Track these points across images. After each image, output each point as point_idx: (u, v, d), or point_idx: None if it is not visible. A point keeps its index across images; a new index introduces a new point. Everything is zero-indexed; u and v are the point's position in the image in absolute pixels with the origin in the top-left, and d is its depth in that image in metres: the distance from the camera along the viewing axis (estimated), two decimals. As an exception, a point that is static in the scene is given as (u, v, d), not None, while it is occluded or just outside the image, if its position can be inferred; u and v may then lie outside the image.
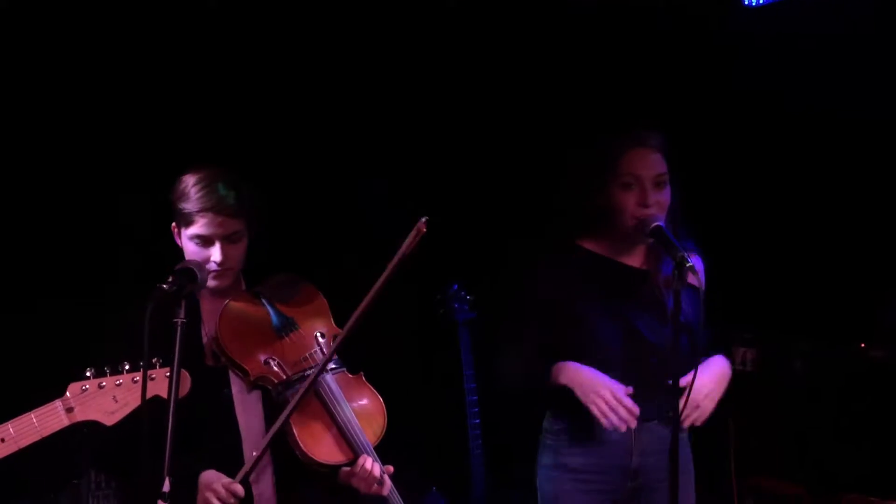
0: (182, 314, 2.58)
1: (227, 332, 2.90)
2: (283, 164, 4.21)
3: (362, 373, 3.03)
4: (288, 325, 2.99)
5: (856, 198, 4.46)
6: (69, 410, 2.51)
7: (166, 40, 4.09)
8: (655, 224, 3.09)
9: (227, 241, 2.90)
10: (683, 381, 3.01)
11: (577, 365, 3.12)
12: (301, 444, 2.83)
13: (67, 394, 2.52)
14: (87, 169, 4.04)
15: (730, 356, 3.35)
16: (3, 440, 2.48)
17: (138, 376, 2.54)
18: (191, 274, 2.67)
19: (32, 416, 2.50)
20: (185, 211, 2.90)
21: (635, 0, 4.53)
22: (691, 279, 3.05)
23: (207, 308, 2.98)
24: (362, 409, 2.96)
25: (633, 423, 3.06)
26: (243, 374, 2.90)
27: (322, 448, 2.86)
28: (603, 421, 3.03)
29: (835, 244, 4.47)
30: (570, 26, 4.57)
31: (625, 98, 4.50)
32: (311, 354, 2.95)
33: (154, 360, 2.58)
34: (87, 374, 2.53)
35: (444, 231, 4.37)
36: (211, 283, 2.91)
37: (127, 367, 2.56)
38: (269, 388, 2.90)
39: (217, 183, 2.90)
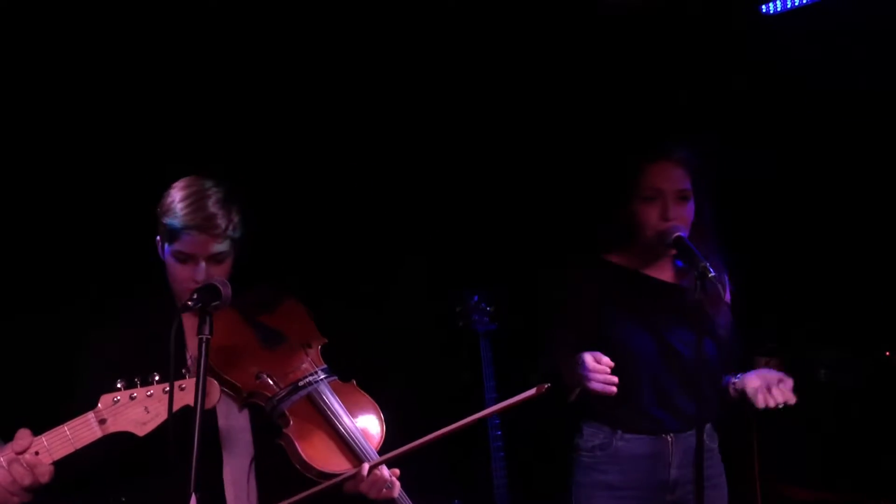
0: (207, 331, 2.57)
1: (216, 351, 2.82)
2: (263, 167, 4.14)
3: (354, 380, 3.00)
4: (275, 338, 2.96)
5: (881, 204, 4.43)
6: (102, 422, 2.52)
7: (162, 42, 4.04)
8: (676, 234, 3.09)
9: (211, 260, 2.85)
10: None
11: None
12: (304, 456, 2.82)
13: (100, 405, 2.54)
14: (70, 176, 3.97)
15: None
16: (37, 453, 2.50)
17: (168, 387, 2.55)
18: (214, 291, 2.63)
19: (66, 429, 2.53)
20: (170, 226, 2.84)
21: (655, 11, 4.53)
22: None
23: (190, 326, 2.91)
24: (360, 416, 2.94)
25: (613, 389, 3.02)
26: (234, 391, 2.87)
27: (325, 457, 2.84)
28: (594, 385, 2.99)
29: (859, 251, 4.44)
30: (595, 37, 4.56)
31: (650, 110, 4.49)
32: (299, 366, 2.93)
33: (183, 371, 2.59)
34: (119, 385, 2.55)
35: (465, 242, 4.48)
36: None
37: (157, 378, 2.57)
38: (262, 403, 2.88)
39: (205, 199, 2.84)
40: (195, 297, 2.60)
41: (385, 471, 2.85)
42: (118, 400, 2.53)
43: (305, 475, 2.83)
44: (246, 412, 2.92)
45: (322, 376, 2.94)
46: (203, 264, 2.83)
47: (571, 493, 3.33)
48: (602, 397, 3.01)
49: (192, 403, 2.52)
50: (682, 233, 3.11)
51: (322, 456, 2.84)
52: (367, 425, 2.93)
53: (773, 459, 4.28)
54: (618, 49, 4.54)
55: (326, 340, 3.03)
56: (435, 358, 4.44)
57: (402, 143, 4.44)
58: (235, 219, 2.86)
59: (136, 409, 2.55)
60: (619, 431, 3.23)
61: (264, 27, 4.16)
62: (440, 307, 4.29)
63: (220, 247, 2.84)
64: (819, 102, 4.40)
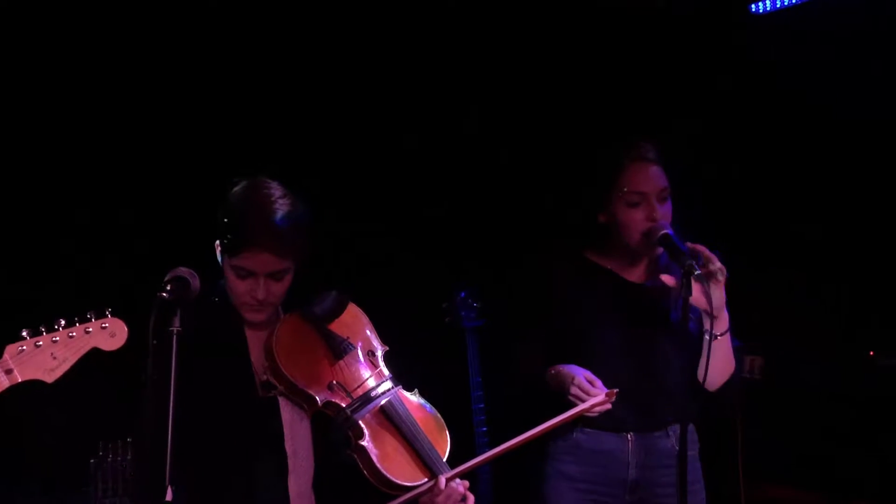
0: (177, 323, 2.49)
1: (287, 361, 2.76)
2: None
3: (417, 388, 2.94)
4: (344, 347, 2.85)
5: (865, 202, 4.45)
6: (8, 372, 2.46)
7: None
8: (663, 232, 3.09)
9: (271, 277, 2.72)
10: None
11: (562, 367, 3.12)
12: (380, 467, 2.72)
13: (5, 355, 2.47)
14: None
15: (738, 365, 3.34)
16: None
17: (74, 331, 2.48)
18: (183, 282, 2.52)
19: None
20: (233, 238, 2.68)
21: (641, 8, 4.53)
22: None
23: (252, 336, 2.83)
24: (429, 426, 2.87)
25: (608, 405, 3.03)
26: (308, 402, 2.77)
27: (401, 469, 2.76)
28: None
29: (843, 250, 4.45)
30: (580, 33, 4.56)
31: (632, 107, 4.49)
32: (370, 375, 2.85)
33: (89, 315, 2.50)
34: (24, 334, 2.48)
35: (452, 237, 4.47)
36: (248, 315, 2.78)
37: (63, 323, 2.49)
38: (333, 414, 2.77)
39: (272, 216, 2.67)
40: (169, 288, 2.50)
41: (459, 483, 2.79)
42: (23, 349, 2.46)
43: (378, 488, 2.74)
44: (309, 428, 2.82)
45: (391, 386, 2.86)
46: (262, 281, 2.71)
47: (534, 482, 3.33)
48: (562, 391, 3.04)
49: (99, 346, 2.45)
50: (668, 230, 3.11)
51: (397, 467, 2.76)
52: (435, 435, 2.86)
53: (756, 458, 4.29)
54: (603, 42, 4.56)
55: (388, 348, 2.95)
56: (421, 354, 4.41)
57: (387, 140, 4.44)
58: (302, 234, 2.72)
59: (42, 357, 2.47)
60: (580, 424, 3.22)
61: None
62: (427, 303, 4.27)
63: (284, 265, 2.71)
64: (806, 101, 4.41)
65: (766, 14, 4.47)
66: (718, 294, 3.03)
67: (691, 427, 3.19)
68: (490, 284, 4.22)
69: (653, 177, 3.16)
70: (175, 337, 2.49)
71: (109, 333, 2.49)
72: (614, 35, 4.55)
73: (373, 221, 4.40)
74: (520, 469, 3.57)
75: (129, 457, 3.93)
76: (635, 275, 3.27)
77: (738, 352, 3.29)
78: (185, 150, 4.16)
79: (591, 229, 3.26)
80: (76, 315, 2.48)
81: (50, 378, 2.47)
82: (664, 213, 3.16)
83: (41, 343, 2.47)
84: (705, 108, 4.57)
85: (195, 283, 2.56)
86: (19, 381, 2.46)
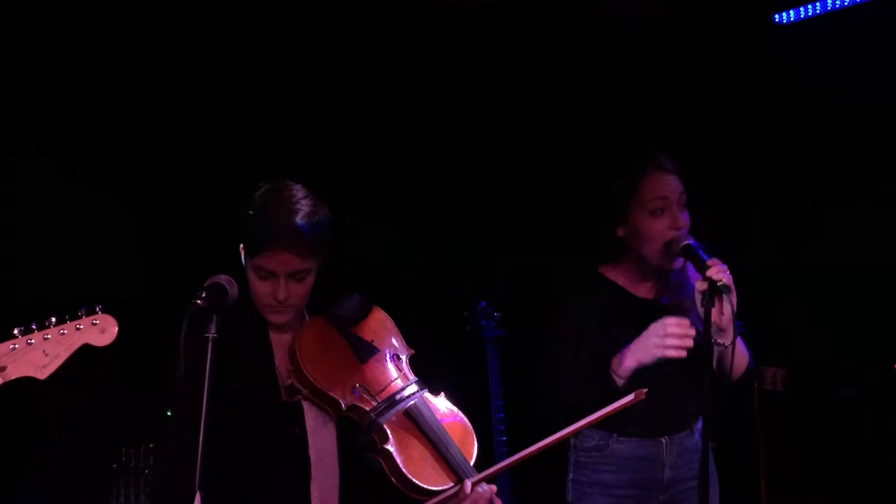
0: (213, 329, 2.50)
1: (311, 364, 2.73)
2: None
3: (443, 392, 2.91)
4: (368, 350, 2.82)
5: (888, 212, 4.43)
6: (1, 370, 2.46)
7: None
8: (686, 242, 3.07)
9: (292, 278, 2.70)
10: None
11: (630, 346, 3.07)
12: (405, 471, 2.69)
13: None
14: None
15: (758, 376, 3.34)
16: None
17: (65, 328, 2.48)
18: (221, 289, 2.55)
19: None
20: (254, 238, 2.67)
21: (664, 16, 4.54)
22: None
23: (276, 339, 2.82)
24: (455, 430, 2.83)
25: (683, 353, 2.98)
26: (332, 406, 2.74)
27: (427, 473, 2.72)
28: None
29: (867, 260, 4.43)
30: (600, 47, 4.56)
31: (651, 116, 4.49)
32: (395, 378, 2.82)
33: (79, 312, 2.50)
34: (15, 332, 2.48)
35: (473, 247, 4.47)
36: (271, 318, 2.76)
37: (53, 321, 2.49)
38: (357, 418, 2.75)
39: (293, 215, 2.66)
40: (203, 295, 2.52)
41: (486, 487, 2.76)
42: (15, 347, 2.46)
43: (403, 493, 2.71)
44: (333, 433, 2.80)
45: (416, 389, 2.83)
46: (283, 281, 2.69)
47: (567, 489, 3.32)
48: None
49: (90, 342, 2.45)
50: (690, 241, 3.09)
51: (423, 471, 2.72)
52: (462, 439, 2.82)
53: (778, 472, 4.28)
54: (622, 54, 4.56)
55: (413, 351, 2.93)
56: (440, 362, 4.43)
57: (409, 149, 4.45)
58: (322, 234, 2.71)
59: (34, 354, 2.47)
60: (615, 434, 3.23)
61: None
62: (447, 311, 4.27)
63: (304, 265, 2.69)
64: (826, 110, 4.39)
65: (790, 24, 4.45)
66: (729, 308, 3.01)
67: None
68: (511, 294, 4.23)
69: (673, 183, 3.15)
70: (211, 343, 2.49)
71: (100, 329, 2.49)
72: (632, 43, 4.54)
73: (396, 229, 4.41)
74: (541, 482, 3.57)
75: (151, 462, 3.95)
76: (643, 290, 3.27)
77: (746, 339, 3.27)
78: (212, 158, 4.19)
79: (609, 244, 3.24)
80: (67, 313, 2.49)
81: (42, 375, 2.48)
82: (685, 221, 3.15)
83: (33, 341, 2.47)
84: (726, 116, 4.56)
85: (233, 290, 2.57)
86: (12, 377, 2.47)
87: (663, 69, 4.57)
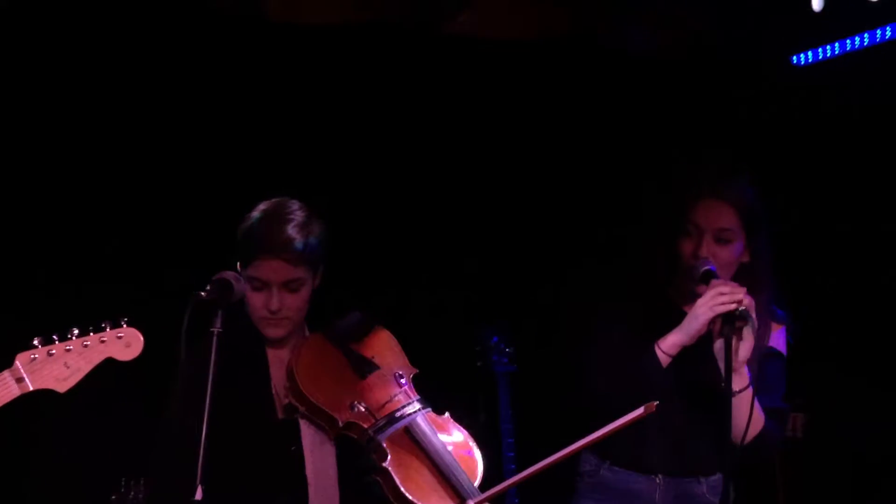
0: (218, 324, 2.47)
1: (309, 380, 2.70)
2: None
3: (448, 412, 2.86)
4: (367, 367, 2.79)
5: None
6: (19, 381, 2.40)
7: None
8: (704, 269, 2.98)
9: (285, 288, 2.69)
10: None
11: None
12: (404, 490, 2.62)
13: (17, 363, 2.41)
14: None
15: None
16: None
17: (88, 340, 2.43)
18: (226, 284, 2.51)
19: None
20: (248, 248, 2.69)
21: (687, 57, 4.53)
22: (774, 341, 2.95)
23: (274, 357, 2.79)
24: (459, 449, 2.77)
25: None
26: (329, 423, 2.70)
27: (427, 493, 2.66)
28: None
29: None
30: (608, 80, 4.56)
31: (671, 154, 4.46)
32: (395, 395, 2.77)
33: (103, 324, 2.46)
34: (35, 342, 2.43)
35: (488, 281, 4.42)
36: (266, 331, 2.74)
37: (76, 333, 2.44)
38: (355, 435, 2.70)
39: (284, 223, 2.68)
40: (208, 288, 2.49)
41: None
42: (35, 358, 2.41)
43: None
44: (332, 453, 2.75)
45: (418, 407, 2.78)
46: (276, 291, 2.69)
47: None
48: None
49: (114, 356, 2.41)
50: (710, 267, 2.99)
51: (423, 491, 2.65)
52: (466, 460, 2.76)
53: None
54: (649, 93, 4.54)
55: (417, 371, 2.88)
56: (451, 397, 4.34)
57: (421, 178, 4.43)
58: (313, 243, 2.70)
59: (55, 366, 2.42)
60: (608, 462, 3.10)
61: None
62: (459, 345, 4.21)
63: (296, 273, 2.68)
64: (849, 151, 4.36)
65: (808, 66, 4.43)
66: (748, 346, 2.91)
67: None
68: (524, 329, 4.17)
69: (715, 214, 3.00)
70: (215, 338, 2.46)
71: (125, 343, 2.45)
72: (648, 82, 4.53)
73: (407, 259, 4.36)
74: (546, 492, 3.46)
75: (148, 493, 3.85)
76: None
77: (784, 414, 3.16)
78: (216, 177, 4.16)
79: (655, 264, 3.13)
80: (90, 324, 2.44)
81: (62, 388, 2.43)
82: (715, 253, 2.98)
83: (54, 352, 2.43)
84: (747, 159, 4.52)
85: (239, 286, 2.56)
86: (30, 389, 2.42)
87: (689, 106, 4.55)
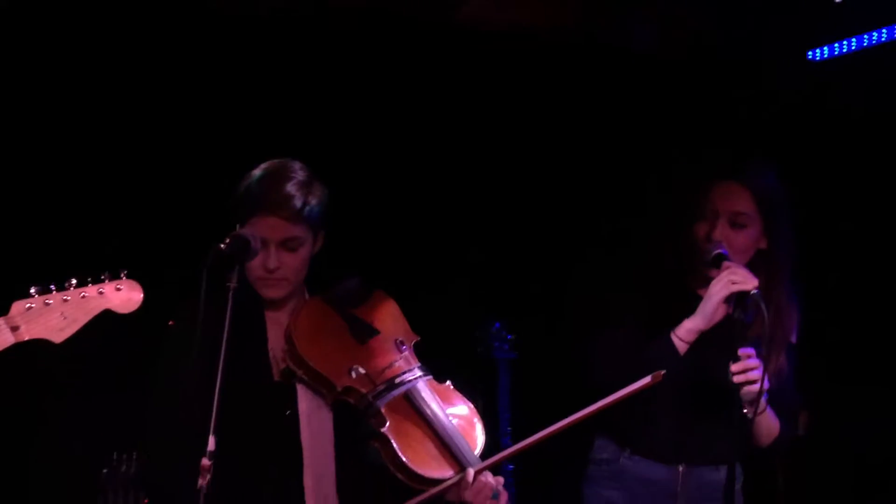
0: (235, 280, 2.43)
1: (307, 343, 2.63)
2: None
3: (450, 381, 2.79)
4: (367, 331, 2.72)
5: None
6: (14, 329, 2.34)
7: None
8: (717, 251, 2.91)
9: (282, 246, 2.63)
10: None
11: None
12: (403, 457, 2.55)
13: (12, 311, 2.35)
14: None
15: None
16: None
17: (86, 291, 2.38)
18: (244, 240, 2.48)
19: None
20: (244, 207, 2.64)
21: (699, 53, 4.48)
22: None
23: (272, 320, 2.74)
24: (460, 418, 2.71)
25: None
26: (327, 387, 2.64)
27: (425, 460, 2.58)
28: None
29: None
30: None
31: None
32: (395, 361, 2.70)
33: (102, 276, 2.41)
34: (32, 291, 2.36)
35: (489, 268, 4.39)
36: (263, 291, 2.67)
37: (74, 283, 2.39)
38: (354, 401, 2.63)
39: (283, 181, 2.62)
40: (227, 241, 2.45)
41: (490, 477, 2.61)
42: (31, 307, 2.35)
43: (400, 482, 2.57)
44: (329, 418, 2.69)
45: (419, 374, 2.71)
46: (273, 250, 2.62)
47: None
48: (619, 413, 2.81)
49: (112, 308, 2.36)
50: (722, 251, 2.93)
51: (422, 459, 2.58)
52: (467, 429, 2.70)
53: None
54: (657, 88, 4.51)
55: (419, 338, 2.82)
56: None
57: (425, 163, 4.40)
58: (313, 202, 2.65)
59: (51, 315, 2.36)
60: (628, 450, 3.05)
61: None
62: (459, 332, 4.16)
63: (294, 232, 2.62)
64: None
65: (824, 61, 4.37)
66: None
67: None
68: (525, 316, 4.14)
69: (732, 197, 2.95)
70: (231, 293, 2.42)
71: (124, 296, 2.40)
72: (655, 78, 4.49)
73: (410, 245, 4.32)
74: (546, 493, 3.44)
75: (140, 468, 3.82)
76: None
77: (797, 413, 3.11)
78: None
79: (672, 248, 3.05)
80: (89, 276, 2.39)
81: (58, 338, 2.37)
82: (729, 237, 2.93)
83: (51, 301, 2.37)
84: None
85: (255, 244, 2.53)
86: (25, 339, 2.35)
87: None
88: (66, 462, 3.91)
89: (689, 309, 2.94)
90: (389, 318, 2.80)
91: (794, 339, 3.06)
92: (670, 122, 4.52)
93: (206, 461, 2.32)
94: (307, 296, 2.80)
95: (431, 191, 4.40)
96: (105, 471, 3.86)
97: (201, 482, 2.31)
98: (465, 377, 4.10)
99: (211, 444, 2.32)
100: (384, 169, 4.34)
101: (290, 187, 2.62)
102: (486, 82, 4.43)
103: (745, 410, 2.78)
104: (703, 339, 2.95)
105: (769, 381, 2.81)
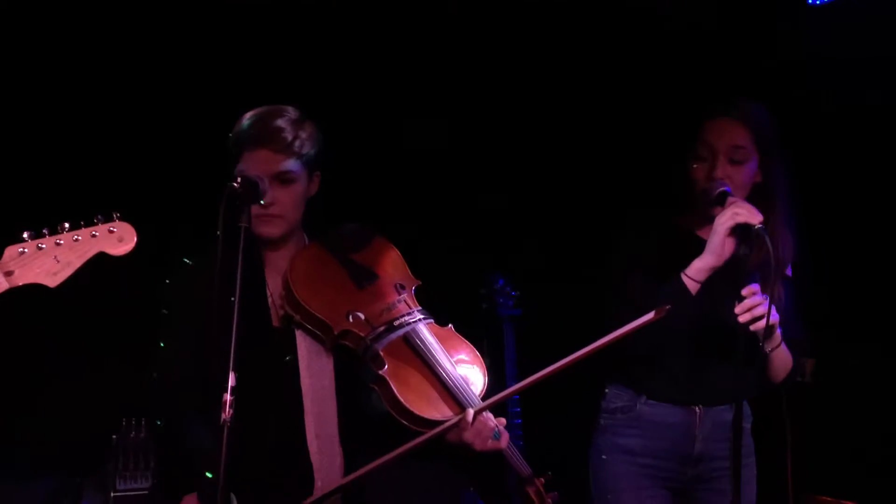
0: (245, 220, 2.45)
1: (304, 287, 2.65)
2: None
3: (451, 325, 2.78)
4: (366, 276, 2.73)
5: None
6: (8, 274, 2.33)
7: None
8: (720, 189, 2.91)
9: (276, 180, 2.64)
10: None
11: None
12: (402, 399, 2.56)
13: (5, 257, 2.35)
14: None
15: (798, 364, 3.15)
16: None
17: (79, 234, 2.37)
18: (253, 182, 2.52)
19: None
20: (237, 145, 2.66)
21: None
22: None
23: (271, 265, 2.74)
24: (461, 360, 2.71)
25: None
26: (325, 331, 2.65)
27: (425, 402, 2.59)
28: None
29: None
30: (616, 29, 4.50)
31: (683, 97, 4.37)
32: (394, 305, 2.71)
33: (95, 219, 2.40)
34: (25, 236, 2.36)
35: (494, 224, 4.37)
36: (258, 229, 2.66)
37: (67, 226, 2.38)
38: (352, 344, 2.64)
39: (276, 118, 2.66)
40: (240, 181, 2.48)
41: (491, 418, 2.63)
42: (24, 251, 2.34)
43: (401, 424, 2.59)
44: (329, 363, 2.70)
45: (419, 317, 2.71)
46: (268, 185, 2.62)
47: (589, 458, 3.15)
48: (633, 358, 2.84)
49: (106, 250, 2.36)
50: (726, 188, 2.92)
51: (421, 400, 2.60)
52: (468, 371, 2.70)
53: (806, 468, 4.11)
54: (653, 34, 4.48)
55: (420, 282, 2.82)
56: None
57: (430, 123, 4.37)
58: (303, 136, 2.67)
59: (45, 259, 2.35)
60: (644, 396, 3.07)
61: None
62: (464, 288, 4.16)
63: (286, 165, 2.64)
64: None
65: (823, 5, 4.32)
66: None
67: (745, 401, 3.04)
68: (530, 272, 4.13)
69: (728, 132, 2.96)
70: (243, 232, 2.44)
71: (117, 238, 2.39)
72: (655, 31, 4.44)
73: (417, 203, 4.33)
74: (555, 446, 3.45)
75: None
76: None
77: (804, 344, 3.11)
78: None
79: (672, 192, 3.08)
80: (82, 219, 2.38)
81: (53, 282, 2.36)
82: (729, 173, 2.95)
83: (44, 245, 2.36)
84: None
85: (264, 185, 2.56)
86: (20, 284, 2.34)
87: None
88: (76, 427, 3.94)
89: (697, 252, 2.95)
90: (389, 263, 2.81)
91: (789, 272, 3.07)
92: (675, 73, 4.48)
93: (227, 396, 2.33)
94: (306, 239, 2.81)
95: (442, 148, 4.38)
96: (114, 437, 3.89)
97: (224, 416, 2.33)
98: (471, 334, 4.17)
99: (232, 379, 2.34)
100: (395, 117, 4.34)
101: (281, 122, 2.65)
102: (500, 33, 4.40)
103: (762, 345, 2.81)
104: (713, 281, 2.96)
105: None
